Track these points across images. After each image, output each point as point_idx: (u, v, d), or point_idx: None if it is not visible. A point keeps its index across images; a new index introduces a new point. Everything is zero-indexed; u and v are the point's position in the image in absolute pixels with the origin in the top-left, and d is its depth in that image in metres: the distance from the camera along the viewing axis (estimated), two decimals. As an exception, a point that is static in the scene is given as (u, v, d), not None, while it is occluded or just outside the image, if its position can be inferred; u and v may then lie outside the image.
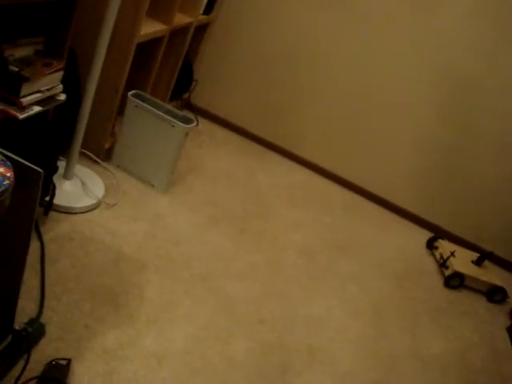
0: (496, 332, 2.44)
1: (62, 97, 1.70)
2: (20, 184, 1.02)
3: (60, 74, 1.67)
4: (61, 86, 1.69)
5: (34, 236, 1.76)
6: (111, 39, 1.83)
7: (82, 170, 2.16)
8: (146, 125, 2.22)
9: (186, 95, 3.14)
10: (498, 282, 2.67)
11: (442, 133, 2.87)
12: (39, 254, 1.71)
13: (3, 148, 1.06)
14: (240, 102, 3.15)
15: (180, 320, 1.72)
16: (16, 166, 1.01)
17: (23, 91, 1.50)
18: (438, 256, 2.78)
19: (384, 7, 2.73)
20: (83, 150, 2.24)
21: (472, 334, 2.35)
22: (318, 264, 2.33)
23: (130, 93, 2.22)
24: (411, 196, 3.05)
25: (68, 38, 1.69)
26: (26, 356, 1.33)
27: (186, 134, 2.25)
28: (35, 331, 1.41)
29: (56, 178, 1.89)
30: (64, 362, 1.38)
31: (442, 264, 2.69)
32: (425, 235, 2.98)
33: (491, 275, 2.71)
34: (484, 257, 2.75)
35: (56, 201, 1.87)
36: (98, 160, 2.31)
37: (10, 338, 1.33)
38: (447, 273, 2.63)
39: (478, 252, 2.83)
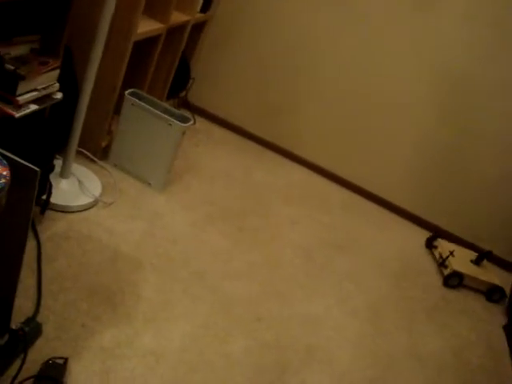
0: (493, 331, 2.44)
1: (59, 95, 1.70)
2: (16, 183, 1.02)
3: (56, 73, 1.67)
4: (57, 85, 1.68)
5: (30, 235, 1.76)
6: (108, 38, 1.83)
7: (78, 168, 2.15)
8: (143, 123, 2.21)
9: (183, 94, 3.13)
10: (496, 281, 2.67)
11: (442, 133, 2.87)
12: (36, 253, 1.70)
13: (-1, 146, 1.05)
14: (238, 101, 3.14)
15: (178, 318, 1.72)
16: (12, 165, 1.01)
17: (19, 90, 1.50)
18: (437, 255, 2.78)
19: (384, 7, 2.73)
20: (80, 149, 2.24)
21: (469, 332, 2.35)
22: (316, 263, 2.33)
23: (126, 91, 2.22)
24: (410, 196, 3.05)
25: (64, 36, 1.68)
26: (22, 355, 1.33)
27: (183, 133, 2.25)
28: (32, 330, 1.40)
29: (53, 177, 1.89)
30: (61, 361, 1.38)
31: (441, 263, 2.69)
32: (424, 235, 2.98)
33: (490, 275, 2.72)
34: (483, 256, 2.75)
35: (53, 199, 1.86)
36: (95, 158, 2.30)
37: (6, 337, 1.32)
38: (446, 272, 2.64)
39: (476, 251, 2.84)
